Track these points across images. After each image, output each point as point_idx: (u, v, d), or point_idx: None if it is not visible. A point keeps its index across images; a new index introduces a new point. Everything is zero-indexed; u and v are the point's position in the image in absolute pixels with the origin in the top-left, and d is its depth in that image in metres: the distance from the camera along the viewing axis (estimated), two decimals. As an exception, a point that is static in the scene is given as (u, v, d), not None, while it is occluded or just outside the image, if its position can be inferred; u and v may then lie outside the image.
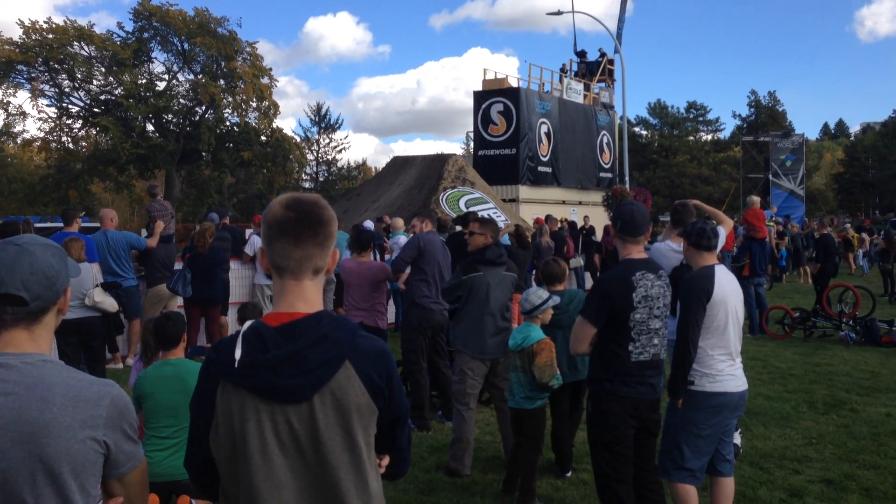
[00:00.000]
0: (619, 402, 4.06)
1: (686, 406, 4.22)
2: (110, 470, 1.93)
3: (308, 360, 1.91)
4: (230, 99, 35.89)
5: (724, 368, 4.24)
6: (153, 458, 4.13)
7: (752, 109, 59.90)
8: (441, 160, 23.82)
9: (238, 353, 1.93)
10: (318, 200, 2.05)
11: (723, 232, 5.77)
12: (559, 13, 30.74)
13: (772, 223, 19.55)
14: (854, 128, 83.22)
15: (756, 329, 12.14)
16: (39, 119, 34.89)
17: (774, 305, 13.03)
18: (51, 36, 32.58)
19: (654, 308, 4.09)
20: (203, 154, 36.70)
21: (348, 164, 55.14)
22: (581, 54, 34.18)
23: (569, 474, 5.74)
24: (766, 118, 57.32)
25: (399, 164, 25.08)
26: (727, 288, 4.30)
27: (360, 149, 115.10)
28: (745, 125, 59.11)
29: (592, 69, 33.84)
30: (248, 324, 2.00)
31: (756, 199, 13.59)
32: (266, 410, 1.92)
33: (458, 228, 10.03)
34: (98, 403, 1.89)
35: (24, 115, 34.64)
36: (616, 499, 4.08)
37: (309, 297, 2.02)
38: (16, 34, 32.80)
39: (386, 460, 2.13)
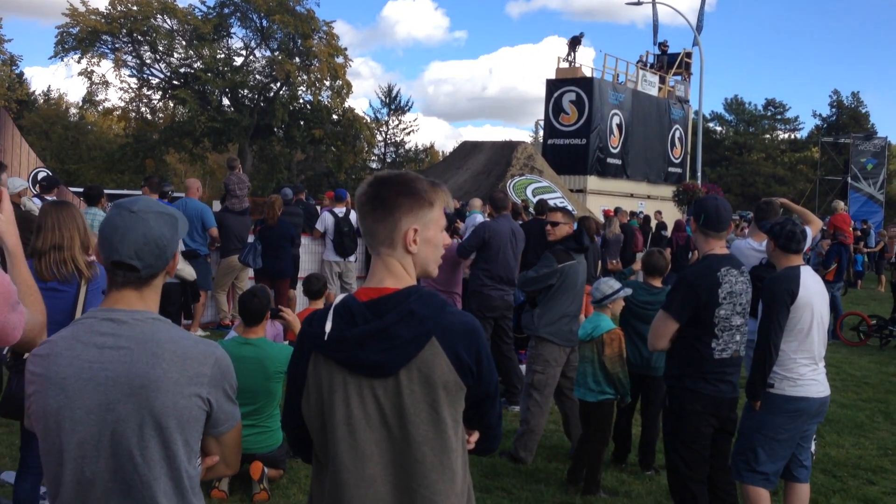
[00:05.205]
0: (700, 400, 3.98)
1: (764, 409, 4.11)
2: (210, 428, 1.98)
3: (395, 336, 1.92)
4: (305, 77, 36.36)
5: (807, 373, 4.12)
6: None
7: (834, 109, 57.73)
8: (510, 147, 23.73)
9: (328, 327, 1.96)
10: (405, 174, 2.08)
11: (810, 233, 5.61)
12: (639, 3, 30.19)
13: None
14: (940, 132, 79.88)
15: (830, 334, 11.81)
16: (121, 89, 36.08)
17: (850, 311, 12.64)
18: (135, 8, 33.44)
19: (738, 304, 4.01)
20: (275, 130, 37.33)
21: (416, 146, 55.25)
22: (662, 46, 33.49)
23: (650, 472, 5.64)
24: (847, 119, 55.22)
25: (468, 149, 25.08)
26: (812, 290, 4.16)
27: (428, 132, 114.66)
28: (825, 125, 57.09)
29: (670, 61, 33.17)
30: (340, 297, 2.02)
31: (841, 203, 13.35)
32: (353, 384, 1.94)
33: (534, 214, 9.96)
34: (204, 362, 1.93)
35: (106, 84, 35.57)
36: (691, 498, 4.01)
37: (398, 272, 2.02)
38: (102, 4, 33.70)
39: (475, 436, 2.13)
